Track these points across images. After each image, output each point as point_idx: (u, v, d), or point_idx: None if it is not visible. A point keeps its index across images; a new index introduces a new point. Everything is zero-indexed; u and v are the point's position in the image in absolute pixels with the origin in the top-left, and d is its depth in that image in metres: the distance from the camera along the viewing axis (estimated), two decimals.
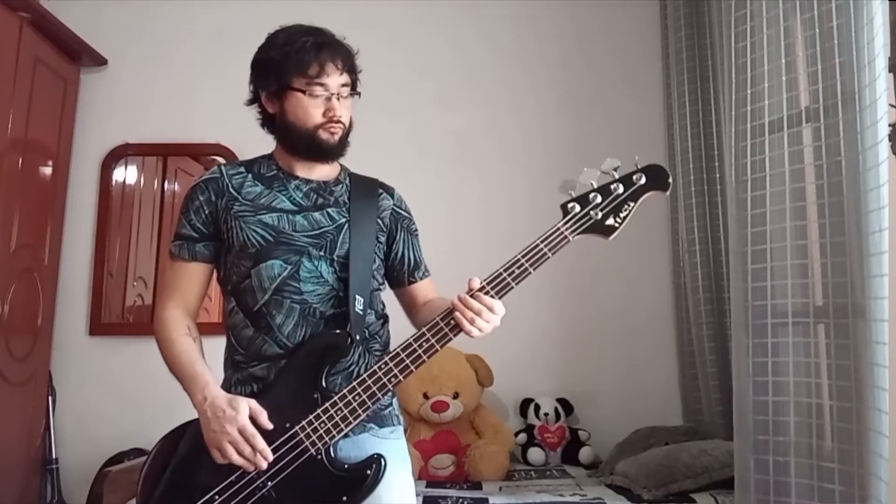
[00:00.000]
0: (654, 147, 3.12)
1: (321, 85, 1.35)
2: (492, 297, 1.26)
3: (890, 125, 1.65)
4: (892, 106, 1.71)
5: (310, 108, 1.36)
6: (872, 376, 1.55)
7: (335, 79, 1.35)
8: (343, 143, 1.41)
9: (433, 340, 1.28)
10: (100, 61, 3.17)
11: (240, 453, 1.22)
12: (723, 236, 2.70)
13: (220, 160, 3.09)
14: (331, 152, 1.40)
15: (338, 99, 1.36)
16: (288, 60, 1.34)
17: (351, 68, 1.39)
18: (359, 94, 1.43)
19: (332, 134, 1.38)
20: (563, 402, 2.90)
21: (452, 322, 1.27)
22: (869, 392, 1.55)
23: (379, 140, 2.87)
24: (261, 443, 1.22)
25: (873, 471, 1.52)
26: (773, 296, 1.79)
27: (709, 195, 2.81)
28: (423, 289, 1.52)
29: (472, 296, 1.26)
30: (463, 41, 3.24)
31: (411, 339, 1.29)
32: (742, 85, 1.91)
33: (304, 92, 1.35)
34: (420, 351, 1.28)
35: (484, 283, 1.28)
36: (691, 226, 2.81)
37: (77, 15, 3.05)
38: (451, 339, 1.28)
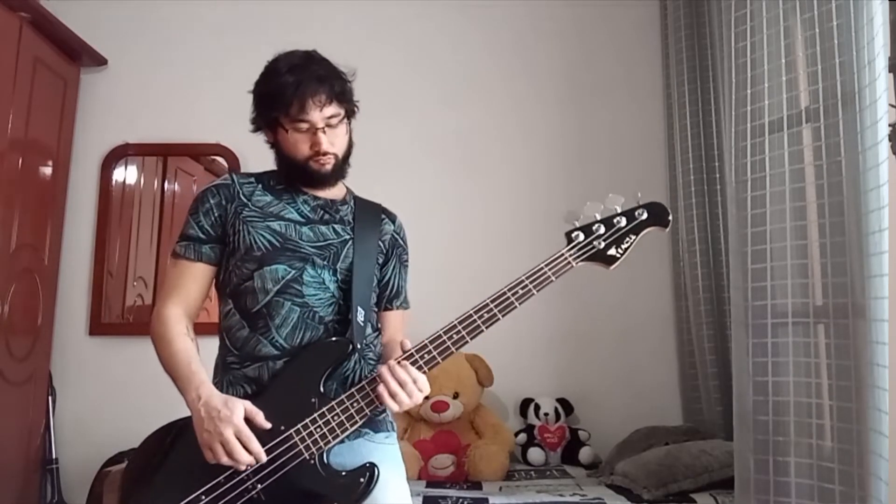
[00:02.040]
0: (655, 147, 3.12)
1: (304, 122, 1.36)
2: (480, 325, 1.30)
3: (890, 125, 1.65)
4: (892, 106, 1.71)
5: (296, 144, 1.39)
6: (872, 376, 1.55)
7: (316, 114, 1.36)
8: (338, 171, 1.43)
9: (435, 353, 1.30)
10: (100, 61, 3.17)
11: (231, 454, 1.21)
12: (723, 236, 2.70)
13: (220, 160, 3.09)
14: (324, 181, 1.43)
15: (324, 131, 1.37)
16: (271, 99, 1.37)
17: (340, 97, 1.39)
18: (349, 122, 1.43)
19: (322, 165, 1.40)
20: (563, 402, 2.90)
21: (455, 336, 1.29)
22: (869, 392, 1.55)
23: (379, 140, 2.88)
24: (256, 445, 1.22)
25: (873, 471, 1.52)
26: (773, 296, 1.79)
27: (709, 195, 2.81)
28: (395, 319, 1.54)
29: (400, 364, 1.28)
30: (463, 41, 3.24)
31: (412, 349, 1.30)
32: (742, 85, 1.91)
33: (287, 130, 1.37)
34: (421, 363, 1.29)
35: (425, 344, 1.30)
36: (691, 226, 2.81)
37: (77, 15, 3.04)
38: (453, 352, 1.30)
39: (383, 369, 1.27)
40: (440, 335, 1.30)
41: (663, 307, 3.06)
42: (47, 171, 2.92)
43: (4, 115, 2.59)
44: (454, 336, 1.30)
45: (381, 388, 1.26)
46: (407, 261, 1.56)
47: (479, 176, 3.13)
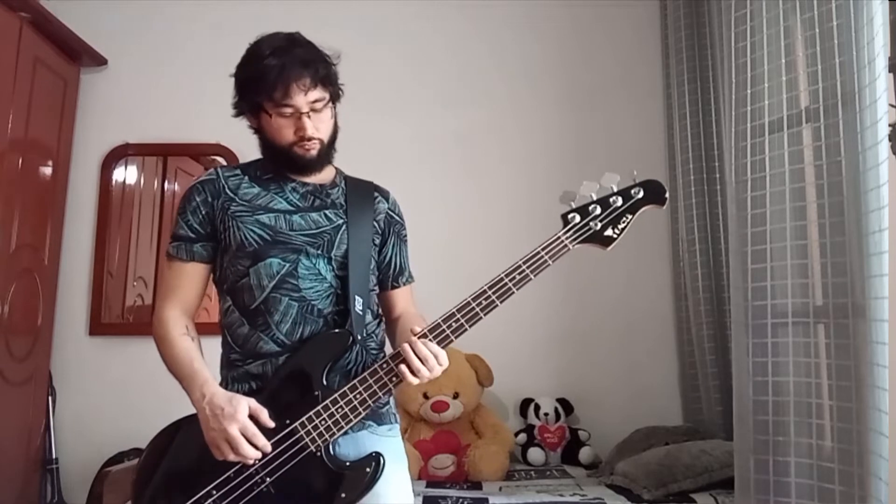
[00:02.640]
0: (654, 147, 3.12)
1: (288, 106, 1.34)
2: (485, 307, 1.28)
3: (890, 125, 1.65)
4: (892, 106, 1.71)
5: (280, 129, 1.36)
6: (872, 376, 1.55)
7: (301, 98, 1.33)
8: (323, 156, 1.40)
9: (435, 343, 1.29)
10: (100, 61, 3.17)
11: (237, 451, 1.22)
12: (723, 236, 2.70)
13: (220, 160, 3.09)
14: (309, 167, 1.41)
15: (308, 116, 1.35)
16: (254, 83, 1.34)
17: (324, 81, 1.36)
18: (333, 106, 1.40)
19: (307, 150, 1.38)
20: (563, 402, 2.90)
21: (455, 325, 1.28)
22: (869, 392, 1.55)
23: (378, 140, 2.88)
24: (262, 440, 1.23)
25: (873, 471, 1.52)
26: (773, 296, 1.79)
27: (709, 195, 2.81)
28: (403, 295, 1.53)
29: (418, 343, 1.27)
30: (463, 41, 3.24)
31: (425, 329, 1.30)
32: (742, 85, 1.91)
33: (270, 115, 1.35)
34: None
35: (439, 322, 1.29)
36: (691, 226, 2.81)
37: (77, 15, 3.05)
38: (452, 340, 1.30)
39: (406, 347, 1.26)
40: (439, 323, 1.30)
41: (663, 307, 3.06)
42: (47, 171, 2.92)
43: (4, 115, 2.59)
44: (453, 324, 1.29)
45: (403, 367, 1.26)
46: (406, 236, 1.54)
47: (478, 176, 3.13)
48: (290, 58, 1.33)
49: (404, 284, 1.53)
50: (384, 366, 1.29)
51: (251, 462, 1.23)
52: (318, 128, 1.37)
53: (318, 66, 1.35)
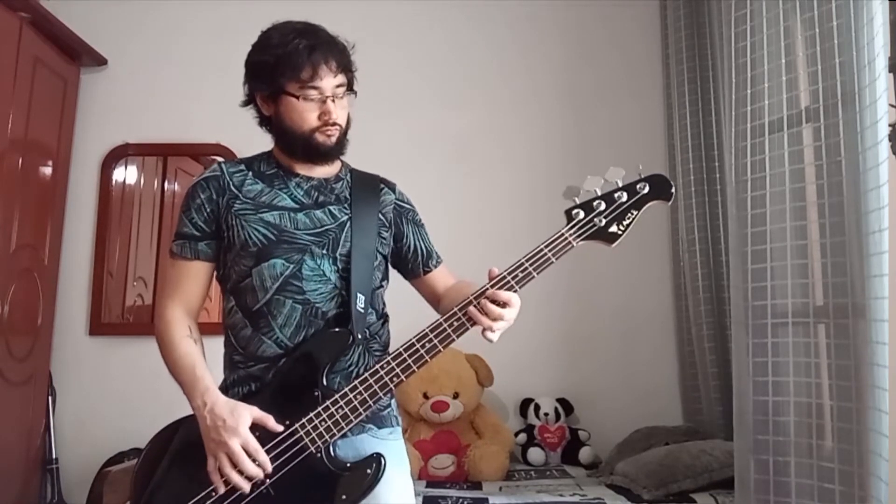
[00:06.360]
0: (655, 147, 3.12)
1: (315, 88, 1.33)
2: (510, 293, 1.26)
3: (890, 125, 1.66)
4: (892, 106, 1.71)
5: (304, 113, 1.34)
6: (872, 376, 1.55)
7: (329, 81, 1.33)
8: (341, 144, 1.39)
9: (436, 341, 1.27)
10: (100, 61, 3.17)
11: (237, 466, 1.20)
12: (723, 236, 2.70)
13: (221, 160, 3.09)
14: (328, 154, 1.40)
15: (332, 101, 1.34)
16: (280, 64, 1.32)
17: (346, 67, 1.37)
18: (355, 92, 1.41)
19: (329, 136, 1.36)
20: (563, 402, 2.90)
21: (456, 323, 1.26)
22: (869, 392, 1.55)
23: (378, 140, 2.87)
24: (263, 456, 1.21)
25: (873, 471, 1.52)
26: (773, 296, 1.79)
27: (709, 195, 2.81)
28: (441, 276, 1.52)
29: (490, 300, 1.25)
30: (463, 41, 3.24)
31: (414, 339, 1.28)
32: (742, 85, 1.91)
33: (297, 97, 1.33)
34: (423, 351, 1.26)
35: (505, 273, 1.27)
36: (691, 226, 2.81)
37: (77, 15, 3.05)
38: (454, 339, 1.28)
39: (472, 310, 1.24)
40: (440, 323, 1.27)
41: (663, 307, 3.06)
42: (47, 171, 2.92)
43: (4, 115, 2.59)
44: (447, 328, 1.27)
45: (482, 317, 1.24)
46: (421, 220, 1.53)
47: (479, 176, 3.13)
48: (318, 40, 1.33)
49: (435, 267, 1.51)
50: (385, 365, 1.27)
51: (252, 478, 1.21)
52: (339, 114, 1.36)
53: (342, 51, 1.36)
